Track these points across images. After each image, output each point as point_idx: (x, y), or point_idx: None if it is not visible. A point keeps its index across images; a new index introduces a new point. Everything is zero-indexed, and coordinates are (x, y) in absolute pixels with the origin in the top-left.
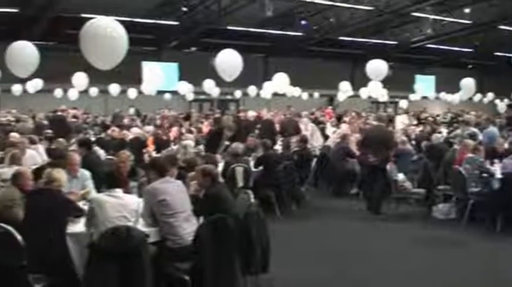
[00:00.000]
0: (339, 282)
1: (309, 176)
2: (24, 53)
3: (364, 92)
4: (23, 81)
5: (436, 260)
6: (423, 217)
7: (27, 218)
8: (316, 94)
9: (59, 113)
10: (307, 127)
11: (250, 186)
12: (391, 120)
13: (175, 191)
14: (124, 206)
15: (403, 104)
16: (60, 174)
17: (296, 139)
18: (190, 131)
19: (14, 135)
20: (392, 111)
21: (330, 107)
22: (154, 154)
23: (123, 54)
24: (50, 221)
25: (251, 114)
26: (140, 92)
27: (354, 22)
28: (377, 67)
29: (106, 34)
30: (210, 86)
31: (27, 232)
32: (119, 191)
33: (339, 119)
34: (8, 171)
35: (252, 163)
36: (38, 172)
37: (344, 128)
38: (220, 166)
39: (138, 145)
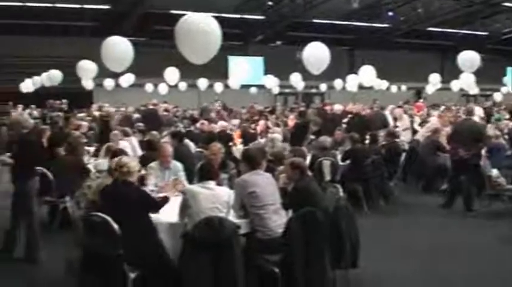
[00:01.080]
0: (427, 279)
1: (397, 171)
2: (120, 48)
3: (455, 85)
4: (115, 76)
5: None
6: None
7: (108, 209)
8: (403, 87)
9: (151, 107)
10: (401, 119)
11: (338, 180)
12: (470, 113)
13: (265, 184)
14: (216, 198)
15: (497, 97)
16: (130, 160)
17: (384, 133)
18: (277, 125)
19: None
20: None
21: (421, 100)
22: (241, 147)
23: (216, 49)
24: (129, 213)
25: (337, 107)
26: (226, 86)
27: (442, 13)
28: (469, 58)
29: (200, 29)
30: (296, 80)
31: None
32: (211, 183)
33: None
34: (103, 162)
35: (339, 157)
36: None
37: (434, 121)
38: (307, 159)
39: (225, 137)
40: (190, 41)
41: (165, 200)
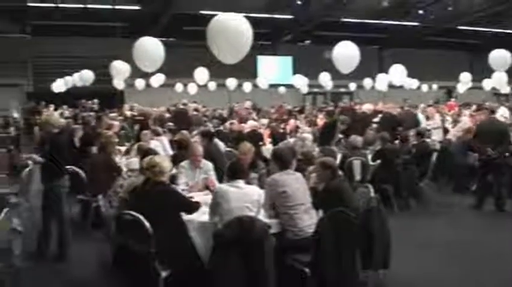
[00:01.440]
0: (459, 280)
1: (428, 171)
2: (152, 48)
3: (487, 84)
4: (145, 76)
5: None
6: None
7: (140, 209)
8: (434, 86)
9: (181, 107)
10: (433, 118)
11: (368, 180)
12: (493, 112)
13: (296, 183)
14: (247, 197)
15: None
16: (161, 159)
17: (414, 132)
18: (309, 124)
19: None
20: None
21: (452, 99)
22: (271, 147)
23: (247, 49)
24: (161, 213)
25: (367, 107)
26: (255, 86)
27: (473, 11)
28: (500, 57)
29: (231, 29)
30: (325, 79)
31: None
32: (241, 182)
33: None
34: (135, 161)
35: (369, 157)
36: None
37: (466, 120)
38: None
39: (255, 137)
40: (222, 40)
41: (197, 205)
